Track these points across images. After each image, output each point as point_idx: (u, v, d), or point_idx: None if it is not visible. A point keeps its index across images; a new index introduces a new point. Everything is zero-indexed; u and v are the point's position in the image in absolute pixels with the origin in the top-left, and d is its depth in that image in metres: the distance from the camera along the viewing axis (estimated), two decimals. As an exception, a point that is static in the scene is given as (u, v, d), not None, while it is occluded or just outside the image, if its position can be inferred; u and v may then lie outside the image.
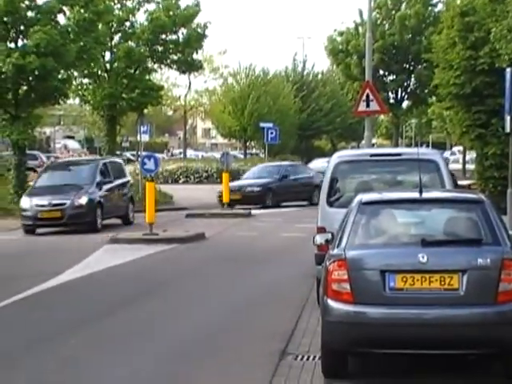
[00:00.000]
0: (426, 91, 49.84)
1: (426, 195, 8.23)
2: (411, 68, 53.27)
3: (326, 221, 11.25)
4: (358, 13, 53.49)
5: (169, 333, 10.47)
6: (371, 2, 23.43)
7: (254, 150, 70.34)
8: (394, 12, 52.54)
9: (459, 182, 29.51)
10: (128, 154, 60.86)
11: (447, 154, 62.79)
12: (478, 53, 26.44)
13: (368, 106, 18.69)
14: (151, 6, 33.31)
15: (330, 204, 11.60)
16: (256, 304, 12.36)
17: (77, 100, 36.29)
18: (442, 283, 7.46)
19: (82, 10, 27.90)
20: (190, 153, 78.14)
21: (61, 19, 28.36)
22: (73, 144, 64.86)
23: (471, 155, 46.53)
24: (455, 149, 73.10)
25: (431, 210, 8.26)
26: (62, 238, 21.67)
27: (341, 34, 54.05)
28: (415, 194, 8.24)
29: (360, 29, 52.48)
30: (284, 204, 31.50)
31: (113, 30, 32.62)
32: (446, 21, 29.27)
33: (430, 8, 52.24)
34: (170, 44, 33.23)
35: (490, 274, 7.42)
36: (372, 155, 12.03)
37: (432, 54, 30.47)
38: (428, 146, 75.52)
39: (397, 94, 54.53)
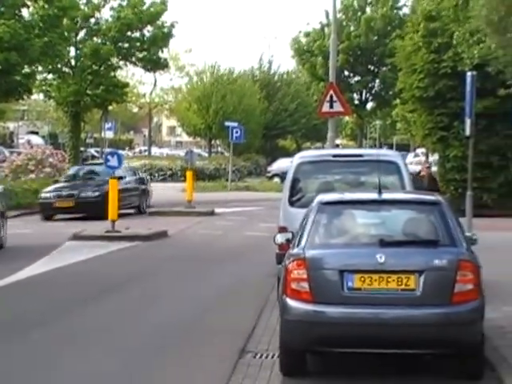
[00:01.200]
0: (391, 93, 50.24)
1: (384, 196, 8.33)
2: (376, 70, 53.66)
3: (288, 220, 11.35)
4: (325, 14, 53.80)
5: (128, 330, 10.47)
6: (336, 4, 23.55)
7: (219, 149, 70.40)
8: (359, 14, 52.89)
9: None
10: (92, 151, 60.57)
11: (410, 156, 63.14)
12: (442, 57, 26.75)
13: (332, 106, 18.80)
14: (116, 3, 33.22)
15: (292, 204, 11.70)
16: (216, 302, 12.40)
17: (41, 95, 36.11)
18: (400, 283, 7.55)
19: (47, 5, 27.75)
20: (155, 150, 77.92)
21: (26, 14, 28.21)
22: (36, 139, 64.33)
23: (434, 157, 46.94)
24: (419, 151, 73.66)
25: (390, 210, 8.35)
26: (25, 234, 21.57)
27: (306, 34, 54.30)
28: (374, 195, 8.34)
29: (326, 30, 52.74)
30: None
31: (78, 25, 32.45)
32: (411, 26, 29.57)
33: (395, 11, 52.65)
34: (136, 42, 33.15)
35: (447, 275, 7.53)
36: (334, 156, 12.13)
37: (395, 59, 30.76)
38: (391, 147, 76.00)
39: (361, 96, 54.91)
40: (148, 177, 29.86)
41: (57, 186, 26.77)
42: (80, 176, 27.62)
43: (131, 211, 26.77)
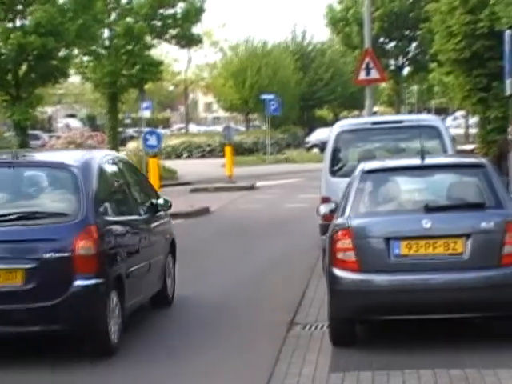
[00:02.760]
0: (427, 57, 49.66)
1: (427, 161, 8.25)
2: (412, 34, 53.06)
3: (330, 190, 11.32)
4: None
5: (180, 303, 10.54)
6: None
7: (256, 123, 70.30)
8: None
9: (462, 147, 29.55)
10: (131, 131, 60.83)
11: (449, 119, 62.62)
12: (478, 16, 26.37)
13: (368, 74, 18.64)
14: (147, -20, 33.17)
15: (333, 173, 11.65)
16: (262, 276, 12.42)
17: (78, 78, 36.27)
18: (447, 248, 7.51)
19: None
20: (193, 127, 78.05)
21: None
22: (75, 123, 64.86)
23: (474, 119, 46.46)
24: (458, 113, 72.97)
25: (434, 175, 8.29)
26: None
27: (340, 1, 53.77)
28: (417, 161, 8.26)
29: (359, -5, 52.16)
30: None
31: (110, 6, 32.49)
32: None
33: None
34: (169, 18, 33.12)
35: (494, 237, 7.47)
36: (373, 123, 12.05)
37: (430, 23, 30.41)
38: (429, 111, 75.32)
39: (398, 61, 54.37)
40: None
41: None
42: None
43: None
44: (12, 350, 8.32)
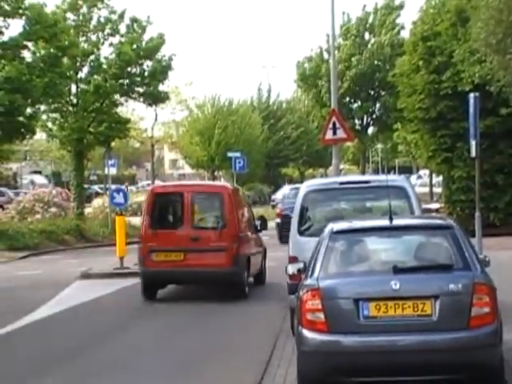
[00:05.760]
0: (391, 117, 50.30)
1: (396, 222, 8.29)
2: (376, 95, 53.76)
3: (298, 250, 11.28)
4: (326, 39, 53.75)
5: (145, 366, 10.40)
6: (334, 30, 23.61)
7: (222, 180, 70.41)
8: (357, 39, 52.93)
9: (427, 206, 29.78)
10: (96, 188, 60.61)
11: (413, 178, 63.12)
12: (441, 77, 26.82)
13: (335, 133, 18.79)
14: (116, 39, 33.40)
15: (301, 233, 11.63)
16: (228, 335, 12.32)
17: (43, 135, 36.20)
18: (415, 309, 7.51)
19: (47, 46, 27.86)
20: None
21: (26, 55, 28.31)
22: (40, 179, 64.58)
23: (438, 178, 46.95)
24: (421, 172, 73.74)
25: (402, 237, 8.31)
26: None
27: (309, 60, 54.35)
28: (385, 222, 8.29)
29: (325, 54, 52.78)
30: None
31: (78, 63, 32.61)
32: (407, 47, 29.70)
33: (398, 36, 52.67)
34: (136, 77, 33.28)
35: (462, 299, 7.49)
36: (341, 183, 12.09)
37: (396, 78, 30.82)
38: (393, 170, 75.96)
39: (363, 121, 54.99)
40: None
41: None
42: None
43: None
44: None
